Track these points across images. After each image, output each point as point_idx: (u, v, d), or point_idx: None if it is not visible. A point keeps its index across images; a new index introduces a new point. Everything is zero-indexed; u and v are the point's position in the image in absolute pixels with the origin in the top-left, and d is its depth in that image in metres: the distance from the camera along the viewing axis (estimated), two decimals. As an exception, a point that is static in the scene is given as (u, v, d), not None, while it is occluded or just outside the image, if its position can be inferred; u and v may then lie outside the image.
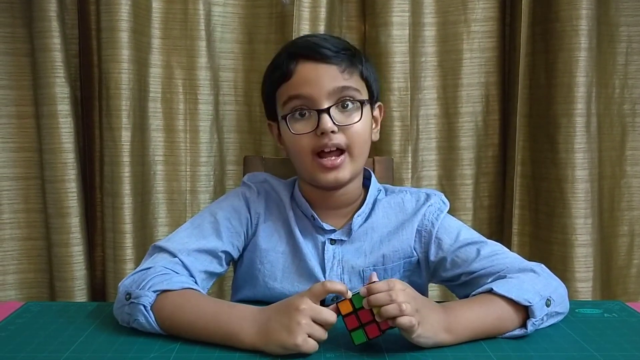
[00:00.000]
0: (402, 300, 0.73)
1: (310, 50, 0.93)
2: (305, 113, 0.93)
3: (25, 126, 1.53)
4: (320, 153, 0.94)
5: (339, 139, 0.93)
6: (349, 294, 0.76)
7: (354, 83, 0.95)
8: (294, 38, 1.03)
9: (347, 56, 0.94)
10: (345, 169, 0.94)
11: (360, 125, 0.94)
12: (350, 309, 0.75)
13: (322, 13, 1.51)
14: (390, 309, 0.73)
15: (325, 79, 0.92)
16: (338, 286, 0.76)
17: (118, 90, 1.46)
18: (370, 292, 0.74)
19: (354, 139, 0.94)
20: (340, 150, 0.94)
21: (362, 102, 0.95)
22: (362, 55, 1.00)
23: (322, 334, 0.75)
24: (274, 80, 0.97)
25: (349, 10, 1.61)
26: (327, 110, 0.91)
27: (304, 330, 0.73)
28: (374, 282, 0.76)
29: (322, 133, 0.91)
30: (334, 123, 0.91)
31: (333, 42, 0.95)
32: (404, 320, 0.72)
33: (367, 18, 1.59)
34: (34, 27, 1.46)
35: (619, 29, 1.59)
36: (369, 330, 0.75)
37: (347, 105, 0.94)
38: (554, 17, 1.51)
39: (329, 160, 0.93)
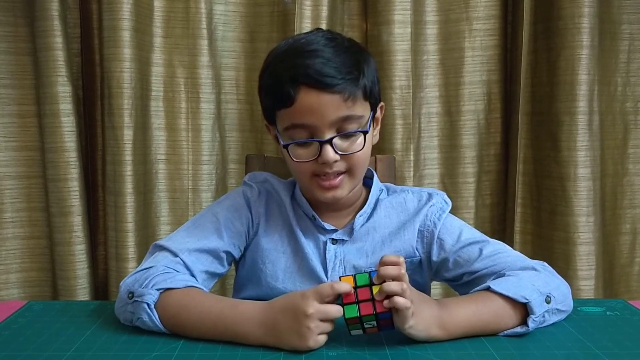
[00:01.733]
0: (406, 280, 0.74)
1: (312, 79, 0.88)
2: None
3: (28, 125, 1.53)
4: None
5: (340, 166, 0.92)
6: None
7: (358, 109, 0.91)
8: (292, 40, 0.97)
9: (351, 80, 0.89)
10: (344, 188, 0.94)
11: (362, 152, 0.93)
12: (352, 284, 0.77)
13: (324, 11, 1.51)
14: (393, 285, 0.73)
15: (328, 108, 0.88)
16: (344, 287, 0.76)
17: (120, 89, 1.46)
18: (382, 264, 0.75)
19: (355, 164, 0.93)
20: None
21: (365, 132, 0.92)
22: (365, 59, 0.94)
23: (330, 327, 0.76)
24: (273, 101, 0.93)
25: (350, 8, 1.61)
26: (330, 141, 0.89)
27: (315, 333, 0.74)
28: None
29: (324, 163, 0.90)
30: (336, 152, 0.90)
31: (336, 64, 0.89)
32: (400, 301, 0.73)
33: (369, 16, 1.59)
34: (36, 26, 1.46)
35: (621, 27, 1.59)
36: (362, 307, 0.76)
37: (350, 133, 0.92)
38: (556, 15, 1.51)
39: (327, 181, 0.92)
